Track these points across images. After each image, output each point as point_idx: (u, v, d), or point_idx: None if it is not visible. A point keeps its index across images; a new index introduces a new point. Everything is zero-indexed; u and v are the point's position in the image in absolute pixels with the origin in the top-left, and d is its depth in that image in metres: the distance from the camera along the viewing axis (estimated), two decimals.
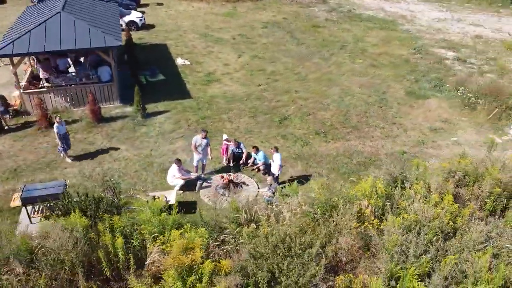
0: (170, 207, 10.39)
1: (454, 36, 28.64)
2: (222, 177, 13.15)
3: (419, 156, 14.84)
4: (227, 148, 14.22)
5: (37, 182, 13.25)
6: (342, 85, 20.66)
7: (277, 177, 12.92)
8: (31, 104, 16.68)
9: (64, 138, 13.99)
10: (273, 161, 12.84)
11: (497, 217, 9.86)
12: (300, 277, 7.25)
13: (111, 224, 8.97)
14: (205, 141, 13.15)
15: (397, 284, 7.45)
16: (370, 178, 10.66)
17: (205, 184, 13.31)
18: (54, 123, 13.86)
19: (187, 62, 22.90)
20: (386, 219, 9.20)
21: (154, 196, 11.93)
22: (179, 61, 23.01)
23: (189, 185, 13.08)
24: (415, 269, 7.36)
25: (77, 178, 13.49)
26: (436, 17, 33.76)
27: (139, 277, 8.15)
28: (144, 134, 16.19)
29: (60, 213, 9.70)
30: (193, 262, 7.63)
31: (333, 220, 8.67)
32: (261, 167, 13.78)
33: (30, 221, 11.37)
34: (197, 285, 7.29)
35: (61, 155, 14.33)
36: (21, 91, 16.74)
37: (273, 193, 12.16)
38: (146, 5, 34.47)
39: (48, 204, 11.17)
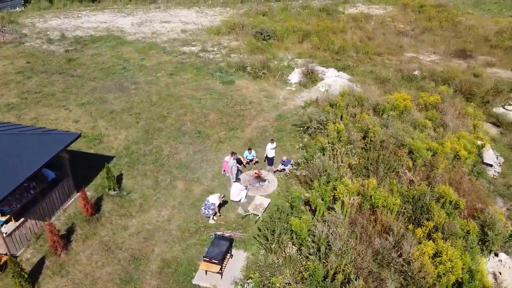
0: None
1: (173, 35, 37.22)
2: (257, 174, 18.40)
3: (288, 112, 24.47)
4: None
5: (166, 274, 14.20)
6: (183, 95, 26.17)
7: (273, 158, 19.50)
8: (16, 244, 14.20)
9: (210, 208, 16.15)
10: (272, 148, 19.23)
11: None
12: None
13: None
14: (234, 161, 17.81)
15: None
16: (330, 125, 19.69)
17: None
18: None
19: None
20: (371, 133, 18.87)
21: (255, 205, 16.38)
22: None
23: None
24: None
25: (186, 243, 15.20)
26: (130, 23, 40.61)
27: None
28: (146, 197, 17.59)
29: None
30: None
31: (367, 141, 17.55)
32: (256, 159, 19.69)
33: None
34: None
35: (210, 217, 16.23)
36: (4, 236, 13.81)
37: (291, 164, 18.94)
38: None
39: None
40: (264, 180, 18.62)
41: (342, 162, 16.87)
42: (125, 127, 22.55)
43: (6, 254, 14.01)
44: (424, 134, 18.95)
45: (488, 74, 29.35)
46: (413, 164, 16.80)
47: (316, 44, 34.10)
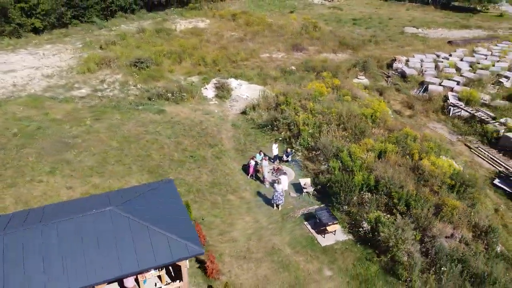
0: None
1: (41, 82, 34.55)
2: (278, 168, 23.33)
3: (236, 120, 29.34)
4: (253, 166, 22.96)
5: (301, 249, 18.28)
6: (138, 133, 27.03)
7: (278, 154, 24.67)
8: None
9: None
10: (276, 148, 24.29)
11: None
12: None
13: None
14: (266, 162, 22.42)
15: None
16: (300, 116, 26.23)
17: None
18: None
19: None
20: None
21: (304, 184, 21.71)
22: None
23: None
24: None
25: (287, 228, 19.33)
26: None
27: None
28: (220, 215, 20.25)
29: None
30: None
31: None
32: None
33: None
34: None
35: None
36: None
37: (293, 152, 24.55)
38: None
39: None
40: (282, 170, 23.82)
41: (336, 138, 23.88)
42: (126, 175, 22.98)
43: None
44: (355, 105, 27.75)
45: (326, 59, 40.94)
46: (373, 123, 25.39)
47: (194, 61, 38.63)
